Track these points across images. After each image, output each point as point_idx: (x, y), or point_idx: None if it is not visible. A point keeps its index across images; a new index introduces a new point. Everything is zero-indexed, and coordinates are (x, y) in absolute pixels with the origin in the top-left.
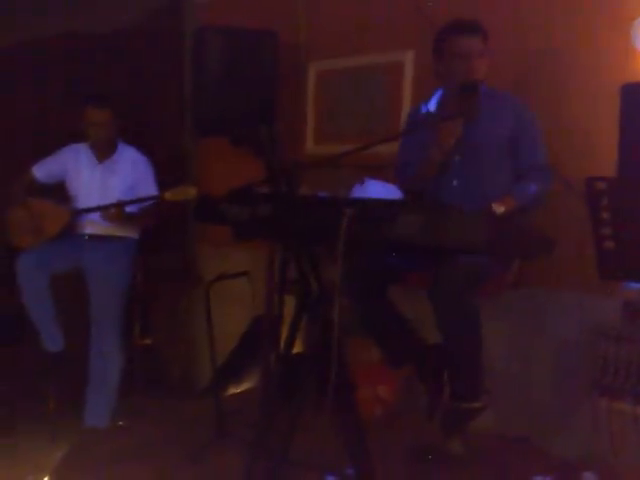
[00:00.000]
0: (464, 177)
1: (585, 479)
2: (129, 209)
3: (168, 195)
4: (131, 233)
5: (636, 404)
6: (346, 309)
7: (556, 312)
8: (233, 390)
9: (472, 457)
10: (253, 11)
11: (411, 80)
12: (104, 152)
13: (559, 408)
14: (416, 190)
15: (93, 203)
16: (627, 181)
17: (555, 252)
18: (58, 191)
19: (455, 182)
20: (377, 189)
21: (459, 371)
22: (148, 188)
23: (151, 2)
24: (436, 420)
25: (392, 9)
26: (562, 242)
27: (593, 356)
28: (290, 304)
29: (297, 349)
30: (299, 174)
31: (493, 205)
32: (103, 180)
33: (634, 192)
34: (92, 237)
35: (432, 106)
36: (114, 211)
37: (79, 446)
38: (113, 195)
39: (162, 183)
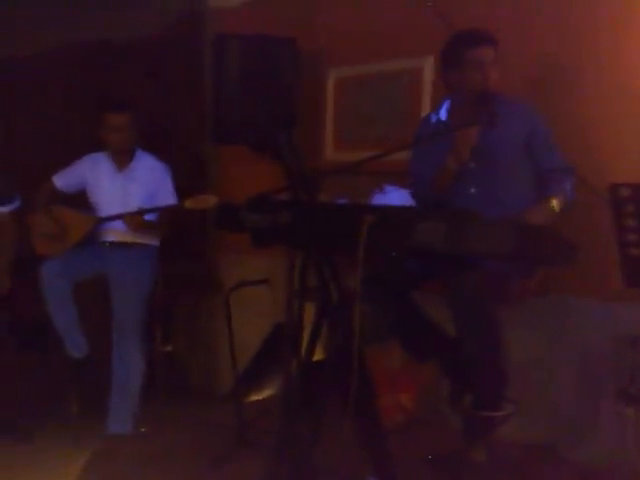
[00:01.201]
0: (481, 184)
1: None
2: (149, 217)
3: (188, 204)
4: (152, 240)
5: None
6: (367, 316)
7: (582, 320)
8: (254, 397)
9: (495, 465)
10: (272, 18)
11: (430, 86)
12: (123, 160)
13: (585, 416)
14: (432, 199)
15: (114, 211)
16: None
17: (580, 259)
18: (79, 199)
19: (473, 189)
20: (397, 196)
21: (481, 379)
22: (167, 195)
23: (172, 11)
24: (458, 427)
25: (411, 15)
26: (587, 248)
27: (619, 365)
28: (310, 311)
29: (318, 356)
30: (318, 181)
31: (552, 200)
32: (124, 188)
33: None
34: (114, 244)
35: (443, 115)
36: (135, 219)
37: (102, 452)
38: (134, 203)
39: (183, 190)
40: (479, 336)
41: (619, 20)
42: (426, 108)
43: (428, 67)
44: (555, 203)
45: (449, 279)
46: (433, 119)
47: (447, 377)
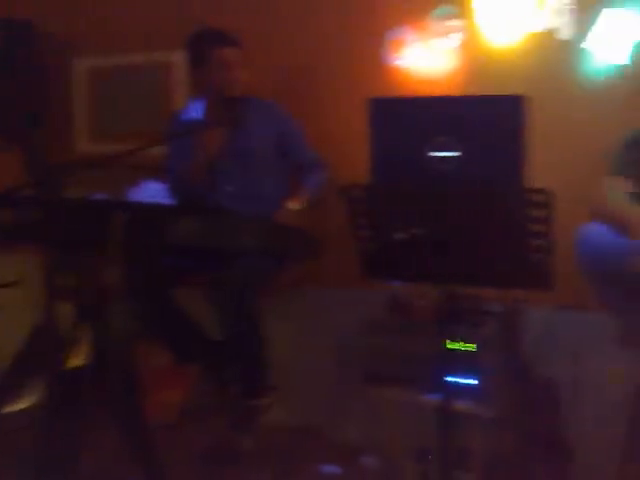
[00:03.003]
0: (237, 182)
1: (365, 463)
2: None
3: None
4: None
5: (403, 390)
6: (129, 313)
7: (334, 308)
8: (11, 407)
9: (263, 451)
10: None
11: (181, 80)
12: None
13: (343, 398)
14: (188, 195)
15: None
16: (379, 187)
17: (328, 252)
18: None
19: (230, 187)
20: (154, 191)
21: (244, 369)
22: None
23: None
24: (225, 418)
25: (163, 7)
26: (336, 241)
27: (366, 347)
28: (68, 312)
29: (79, 359)
30: (67, 175)
31: (288, 203)
32: None
33: (386, 197)
34: None
35: (196, 112)
36: None
37: None
38: None
39: None
40: (241, 328)
41: (355, 34)
42: (178, 102)
43: (178, 61)
44: (307, 197)
45: (210, 274)
46: (184, 115)
47: (211, 373)
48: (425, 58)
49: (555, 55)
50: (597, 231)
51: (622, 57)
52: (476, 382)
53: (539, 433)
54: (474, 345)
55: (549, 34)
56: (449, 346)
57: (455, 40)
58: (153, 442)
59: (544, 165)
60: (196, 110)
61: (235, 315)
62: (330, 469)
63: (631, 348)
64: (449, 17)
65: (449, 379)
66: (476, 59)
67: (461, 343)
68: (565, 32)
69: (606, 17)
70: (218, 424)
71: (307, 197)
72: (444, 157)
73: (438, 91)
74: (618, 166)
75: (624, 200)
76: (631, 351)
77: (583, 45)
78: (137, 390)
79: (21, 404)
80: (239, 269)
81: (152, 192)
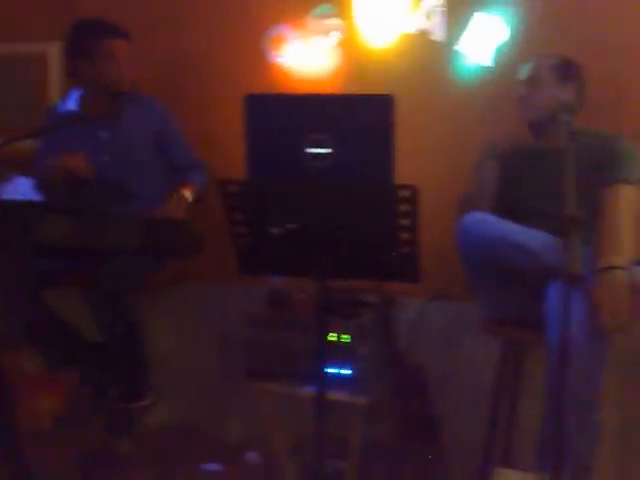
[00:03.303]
0: (114, 178)
1: (248, 459)
2: None
3: None
4: None
5: (284, 384)
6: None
7: (216, 304)
8: None
9: (144, 453)
10: None
11: (58, 72)
12: None
13: (225, 395)
14: (60, 191)
15: None
16: (254, 183)
17: (208, 248)
18: None
19: (107, 184)
20: (25, 187)
21: (122, 371)
22: None
23: None
24: (103, 423)
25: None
26: (219, 238)
27: (246, 342)
28: None
29: None
30: None
31: (182, 191)
32: None
33: (261, 193)
34: None
35: (72, 105)
36: None
37: None
38: None
39: None
40: (118, 329)
41: (238, 30)
42: (54, 95)
43: (54, 53)
44: (188, 195)
45: (85, 274)
46: (60, 109)
47: (87, 387)
48: (305, 56)
49: (428, 56)
50: (477, 220)
51: (487, 59)
52: (351, 372)
53: (412, 418)
54: (349, 336)
55: (423, 35)
56: (326, 338)
57: (334, 39)
58: (23, 449)
59: (415, 162)
60: (73, 102)
61: (112, 316)
62: (211, 467)
63: (492, 335)
64: (329, 16)
65: (326, 370)
66: (354, 58)
67: (337, 335)
68: (438, 34)
69: (476, 20)
70: (96, 428)
71: (197, 190)
72: (319, 154)
73: (317, 89)
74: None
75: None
76: (492, 337)
77: (456, 47)
78: (6, 396)
79: None
80: (115, 268)
81: (24, 188)
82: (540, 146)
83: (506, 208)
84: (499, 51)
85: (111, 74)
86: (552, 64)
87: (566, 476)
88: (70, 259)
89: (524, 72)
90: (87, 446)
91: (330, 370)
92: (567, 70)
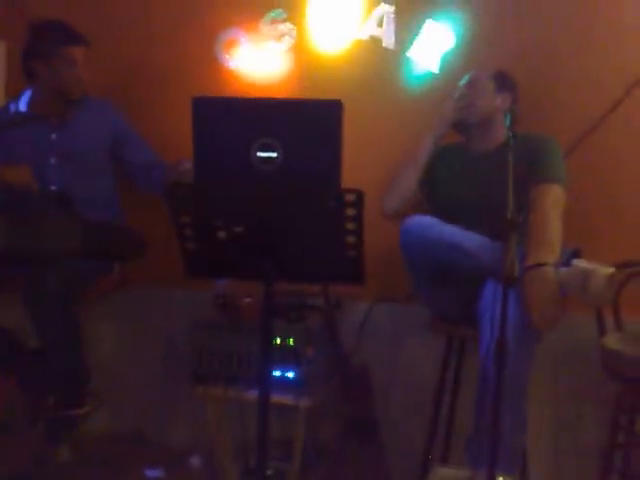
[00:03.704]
0: (63, 183)
1: (191, 463)
2: None
3: None
4: None
5: (228, 388)
6: None
7: (161, 308)
8: None
9: (83, 461)
10: None
11: (5, 72)
12: None
13: (169, 400)
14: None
15: None
16: (201, 186)
17: (154, 251)
18: None
19: (53, 187)
20: None
21: (61, 378)
22: None
23: None
24: (41, 430)
25: None
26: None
27: (192, 346)
28: None
29: None
30: None
31: (184, 161)
32: None
33: (209, 197)
34: None
35: (23, 106)
36: None
37: None
38: None
39: None
40: (56, 334)
41: (193, 32)
42: (2, 95)
43: (1, 53)
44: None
45: (23, 278)
46: (12, 108)
47: (26, 383)
48: (257, 60)
49: (379, 62)
50: (418, 222)
51: (435, 66)
52: (296, 375)
53: (355, 420)
54: (294, 339)
55: (374, 42)
56: (271, 342)
57: (286, 44)
58: None
59: (362, 166)
60: (24, 102)
61: (51, 320)
62: (153, 473)
63: (434, 332)
64: (281, 20)
65: (271, 373)
66: (306, 63)
67: (282, 338)
68: (388, 40)
69: (426, 28)
70: (34, 435)
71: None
72: (267, 158)
73: (269, 93)
74: None
75: None
76: (437, 336)
77: (406, 53)
78: None
79: None
80: (56, 272)
81: None
82: (477, 148)
83: (441, 207)
84: (446, 58)
85: (68, 80)
86: (490, 74)
87: (500, 469)
88: (6, 262)
89: (465, 79)
90: (25, 453)
91: (275, 373)
92: (504, 80)
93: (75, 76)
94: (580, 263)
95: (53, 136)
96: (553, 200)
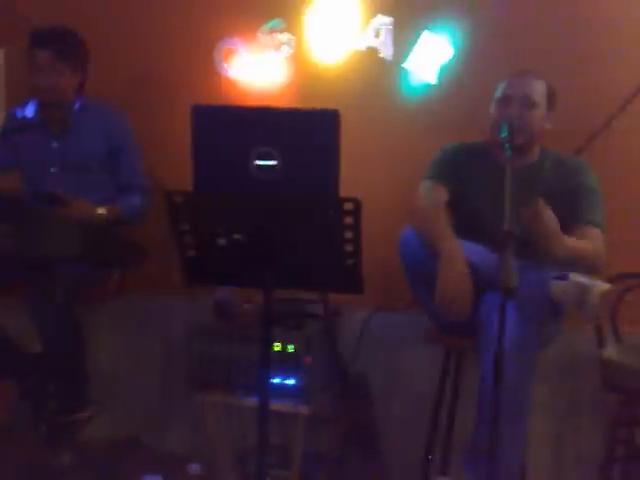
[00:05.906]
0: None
1: (191, 470)
2: None
3: None
4: None
5: (227, 395)
6: None
7: (161, 315)
8: None
9: (82, 466)
10: None
11: (4, 79)
12: None
13: (168, 406)
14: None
15: None
16: (201, 194)
17: (154, 259)
18: None
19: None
20: None
21: (63, 383)
22: None
23: None
24: (42, 435)
25: None
26: (161, 249)
27: (191, 353)
28: None
29: None
30: None
31: (98, 208)
32: None
33: (208, 204)
34: None
35: (29, 112)
36: None
37: None
38: None
39: None
40: (59, 340)
41: (188, 41)
42: (2, 102)
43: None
44: (102, 210)
45: (25, 282)
46: (18, 114)
47: (26, 399)
48: (255, 70)
49: (376, 73)
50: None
51: (433, 77)
52: (295, 382)
53: (354, 428)
54: (294, 347)
55: (371, 52)
56: (271, 349)
57: (284, 53)
58: None
59: (360, 176)
60: (30, 109)
61: (53, 327)
62: (152, 479)
63: (434, 343)
64: (279, 30)
65: (270, 380)
66: (303, 73)
67: (282, 345)
68: (386, 51)
69: (423, 39)
70: (34, 441)
71: (116, 211)
72: (265, 166)
73: (267, 102)
74: (435, 173)
75: (437, 208)
76: (434, 346)
77: (403, 64)
78: None
79: None
80: (58, 278)
81: None
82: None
83: (464, 217)
84: (443, 69)
85: (39, 84)
86: (544, 90)
87: None
88: (8, 267)
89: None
90: (26, 458)
91: (274, 380)
92: (554, 98)
93: (43, 80)
94: (576, 277)
95: (54, 144)
96: (600, 247)
